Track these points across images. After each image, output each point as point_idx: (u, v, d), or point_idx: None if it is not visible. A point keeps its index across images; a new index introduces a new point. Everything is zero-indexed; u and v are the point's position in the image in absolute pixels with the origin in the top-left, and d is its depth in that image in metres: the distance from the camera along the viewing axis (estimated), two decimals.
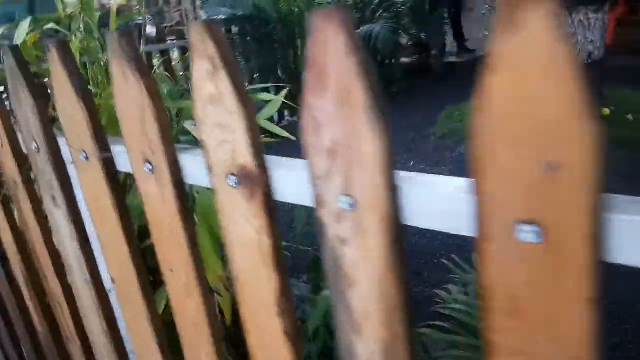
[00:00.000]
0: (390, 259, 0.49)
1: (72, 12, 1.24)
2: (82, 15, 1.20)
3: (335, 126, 0.48)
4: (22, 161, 1.03)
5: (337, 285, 0.55)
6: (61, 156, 0.91)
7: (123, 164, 0.80)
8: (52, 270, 1.10)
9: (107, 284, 0.98)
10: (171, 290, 0.79)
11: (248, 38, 5.22)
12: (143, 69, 0.66)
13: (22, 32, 1.16)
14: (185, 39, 3.25)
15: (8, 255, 1.27)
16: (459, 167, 3.60)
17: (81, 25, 1.27)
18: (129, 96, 0.68)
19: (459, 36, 8.69)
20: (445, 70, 7.86)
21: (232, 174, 0.59)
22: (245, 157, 0.57)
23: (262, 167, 0.57)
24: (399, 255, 0.49)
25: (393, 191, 0.47)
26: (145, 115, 0.67)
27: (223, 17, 5.11)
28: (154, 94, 0.66)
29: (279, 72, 5.50)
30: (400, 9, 7.29)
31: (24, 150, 1.04)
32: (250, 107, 0.56)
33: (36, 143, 0.92)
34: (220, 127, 0.58)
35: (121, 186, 0.82)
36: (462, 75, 7.18)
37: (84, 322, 1.08)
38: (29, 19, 1.18)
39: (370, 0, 6.92)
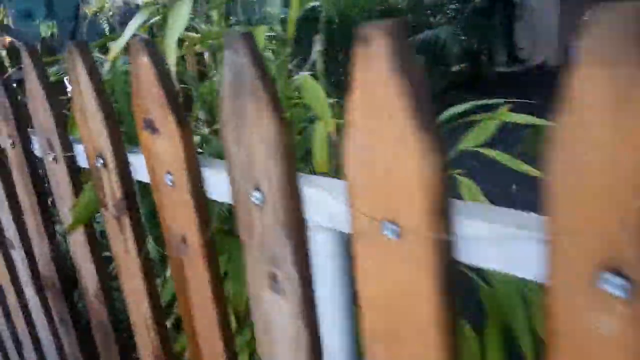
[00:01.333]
0: None
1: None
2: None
3: None
4: (205, 211, 0.68)
5: None
6: (302, 215, 0.56)
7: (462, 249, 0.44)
8: None
9: None
10: None
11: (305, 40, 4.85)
12: None
13: (182, 19, 0.81)
14: None
15: (137, 341, 0.92)
16: None
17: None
18: None
19: (511, 45, 8.34)
20: (497, 79, 7.49)
21: None
22: None
23: None
24: None
25: None
26: None
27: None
28: None
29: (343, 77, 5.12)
30: (455, 15, 6.98)
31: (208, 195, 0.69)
32: None
33: (260, 191, 0.57)
34: None
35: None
36: (517, 86, 6.77)
37: None
38: None
39: (425, 5, 6.59)
